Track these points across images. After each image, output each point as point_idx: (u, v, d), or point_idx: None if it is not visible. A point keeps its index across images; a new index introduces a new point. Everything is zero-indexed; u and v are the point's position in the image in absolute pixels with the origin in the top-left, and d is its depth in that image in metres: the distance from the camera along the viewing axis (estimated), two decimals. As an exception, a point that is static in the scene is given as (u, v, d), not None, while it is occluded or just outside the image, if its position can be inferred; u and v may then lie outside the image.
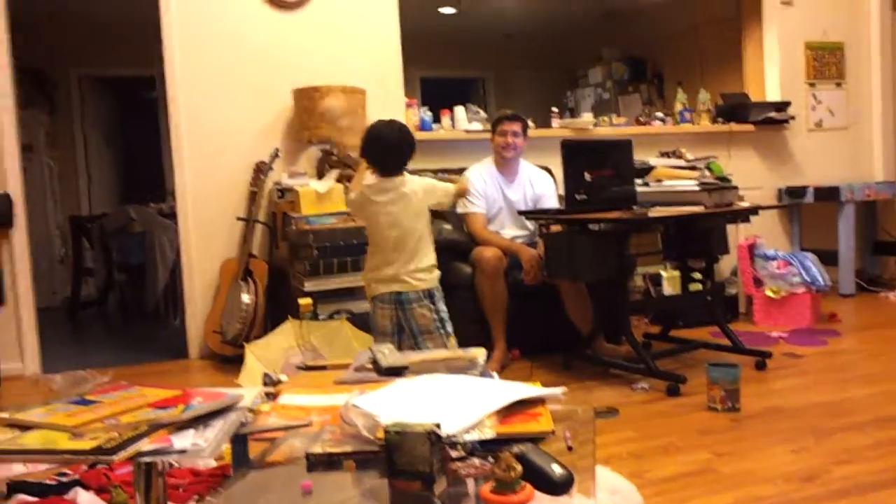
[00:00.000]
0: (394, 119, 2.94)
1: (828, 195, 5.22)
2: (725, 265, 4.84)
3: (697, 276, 3.79)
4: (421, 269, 2.90)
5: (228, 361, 3.93)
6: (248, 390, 1.56)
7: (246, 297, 3.98)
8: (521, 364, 3.70)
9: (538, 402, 1.49)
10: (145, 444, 1.24)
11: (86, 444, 1.21)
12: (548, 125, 5.07)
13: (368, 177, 2.92)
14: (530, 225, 3.97)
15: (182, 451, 1.26)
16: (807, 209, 5.54)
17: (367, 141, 2.87)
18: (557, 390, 1.51)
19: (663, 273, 4.09)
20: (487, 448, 1.30)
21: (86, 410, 1.36)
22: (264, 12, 4.39)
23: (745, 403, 2.87)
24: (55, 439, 1.25)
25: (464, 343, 2.83)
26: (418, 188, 2.90)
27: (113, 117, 8.05)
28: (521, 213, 3.88)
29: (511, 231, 3.94)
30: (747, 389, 2.98)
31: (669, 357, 3.58)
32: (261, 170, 4.23)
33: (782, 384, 3.23)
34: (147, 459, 1.25)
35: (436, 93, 7.97)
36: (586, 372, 3.51)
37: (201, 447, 1.27)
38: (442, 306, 2.94)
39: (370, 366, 1.85)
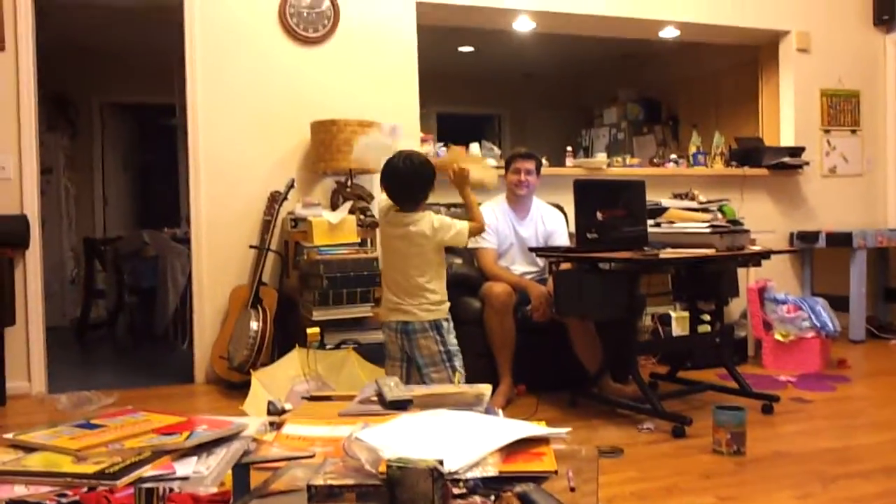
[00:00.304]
0: (414, 152, 2.92)
1: (840, 241, 5.21)
2: (735, 307, 4.82)
3: (707, 317, 3.78)
4: (428, 302, 2.90)
5: (234, 388, 3.93)
6: (252, 419, 1.57)
7: (254, 325, 4.00)
8: (527, 400, 3.68)
9: (542, 441, 1.49)
10: (148, 470, 1.25)
11: (89, 467, 1.22)
12: (562, 164, 5.11)
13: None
14: (540, 262, 3.99)
15: (184, 479, 1.27)
16: (819, 254, 5.52)
17: (384, 173, 2.89)
18: (562, 430, 1.51)
19: (672, 314, 4.08)
20: (490, 486, 1.30)
21: (90, 434, 1.37)
22: (286, 46, 4.47)
23: (751, 447, 2.84)
24: (58, 462, 1.26)
25: (471, 377, 2.85)
26: (427, 228, 2.86)
27: (132, 142, 8.16)
28: (531, 249, 3.89)
29: (521, 267, 3.95)
30: (753, 433, 2.95)
31: (676, 398, 3.56)
32: (275, 199, 4.27)
33: (789, 429, 3.19)
34: (149, 485, 1.25)
35: (452, 128, 8.04)
36: (592, 410, 3.49)
37: (203, 475, 1.27)
38: (451, 339, 2.93)
39: (375, 398, 1.85)
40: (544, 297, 3.67)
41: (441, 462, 1.19)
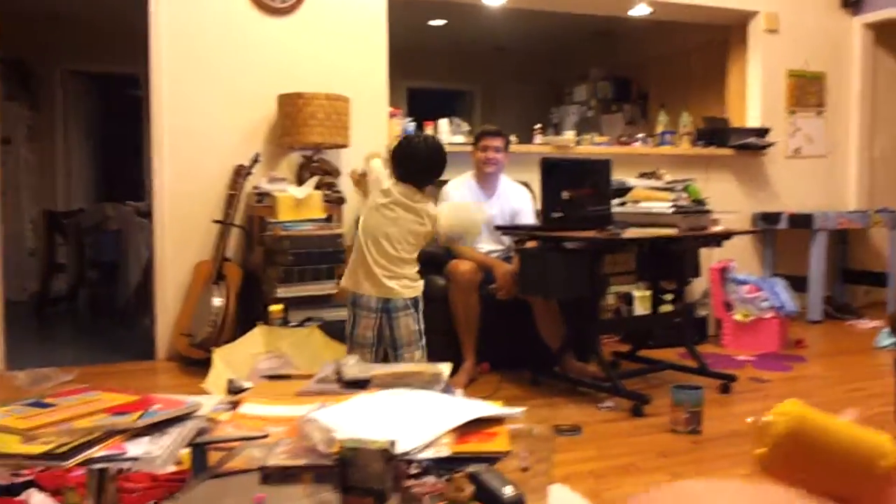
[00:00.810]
0: (430, 136, 3.03)
1: (801, 222, 5.30)
2: (697, 287, 4.89)
3: (668, 297, 3.83)
4: (408, 278, 2.89)
5: (196, 364, 3.90)
6: (207, 398, 1.56)
7: (217, 301, 3.96)
8: (490, 378, 3.71)
9: (497, 420, 1.50)
10: (98, 451, 1.24)
11: (37, 448, 1.21)
12: (530, 141, 5.11)
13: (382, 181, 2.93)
14: (506, 240, 3.99)
15: (135, 459, 1.26)
16: (781, 235, 5.61)
17: (404, 152, 2.91)
18: (517, 410, 1.53)
19: (635, 293, 4.12)
20: (443, 466, 1.31)
21: (41, 413, 1.35)
22: (253, 16, 4.39)
23: (708, 426, 2.90)
24: (7, 442, 1.24)
25: (434, 355, 2.85)
26: (432, 210, 2.93)
27: (96, 113, 7.98)
28: (497, 228, 3.90)
29: (487, 245, 3.95)
30: (710, 412, 3.00)
31: (637, 377, 3.61)
32: (240, 173, 4.22)
33: (745, 408, 3.26)
34: (99, 466, 1.24)
35: (423, 103, 8.00)
36: (554, 388, 3.53)
37: (154, 455, 1.27)
38: (421, 317, 2.95)
39: (334, 377, 1.85)
40: (509, 276, 3.68)
41: (393, 443, 1.20)
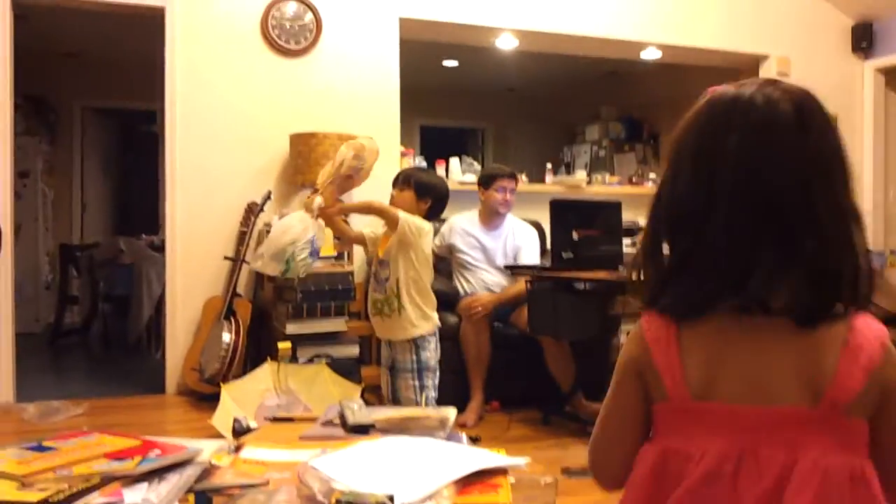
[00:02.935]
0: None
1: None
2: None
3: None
4: None
5: (205, 399, 3.90)
6: (209, 443, 1.55)
7: (227, 337, 3.97)
8: (499, 416, 3.68)
9: (500, 471, 1.48)
10: (95, 498, 1.22)
11: (33, 495, 1.20)
12: (542, 180, 5.13)
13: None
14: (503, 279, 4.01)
15: (132, 506, 1.25)
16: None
17: (444, 193, 2.91)
18: (521, 460, 1.50)
19: (646, 334, 4.08)
20: (444, 517, 1.29)
21: (39, 458, 1.35)
22: (268, 58, 4.46)
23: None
24: (3, 488, 1.23)
25: (443, 391, 2.84)
26: None
27: (113, 148, 8.10)
28: (507, 267, 3.90)
29: (490, 277, 3.95)
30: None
31: (648, 420, 3.56)
32: (252, 210, 4.25)
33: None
34: (96, 513, 1.23)
35: (434, 140, 8.07)
36: (564, 428, 3.49)
37: (152, 503, 1.25)
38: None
39: (338, 421, 1.84)
40: (487, 303, 3.71)
41: (391, 497, 1.18)
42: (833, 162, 0.92)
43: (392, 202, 2.86)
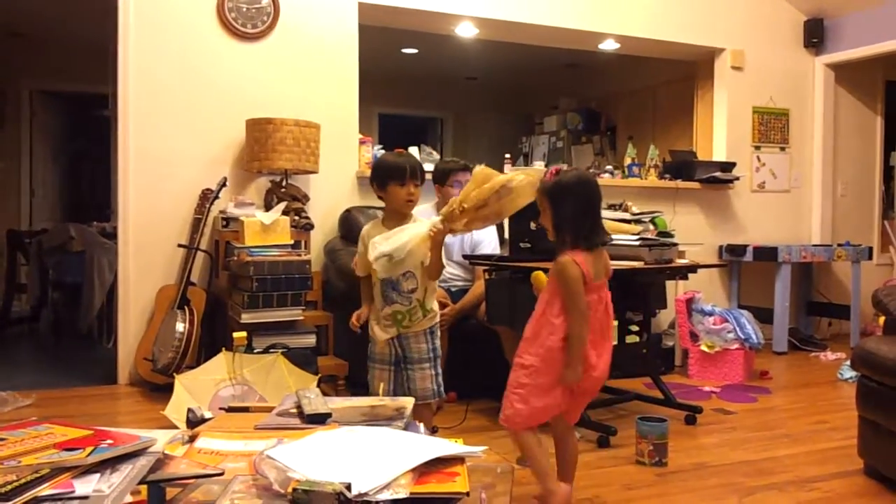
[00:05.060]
0: None
1: (766, 255, 5.37)
2: (664, 318, 4.92)
3: (635, 327, 3.84)
4: None
5: (158, 390, 3.84)
6: (162, 433, 1.53)
7: (180, 326, 3.90)
8: (457, 407, 3.68)
9: (457, 459, 1.48)
10: (45, 489, 1.20)
11: (-21, 487, 1.17)
12: (501, 170, 5.13)
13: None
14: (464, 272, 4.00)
15: (84, 498, 1.22)
16: (746, 267, 5.68)
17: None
18: (477, 449, 1.51)
19: (602, 324, 4.12)
20: (401, 506, 1.29)
21: (-14, 450, 1.31)
22: (224, 41, 4.38)
23: (673, 458, 2.90)
24: (-51, 480, 1.20)
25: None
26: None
27: (63, 132, 7.89)
28: (465, 257, 3.90)
29: (453, 270, 3.95)
30: (676, 444, 3.01)
31: (604, 407, 3.60)
32: (206, 197, 4.18)
33: (710, 440, 3.27)
34: (45, 505, 1.20)
35: (394, 129, 8.03)
36: (521, 419, 3.51)
37: (104, 494, 1.23)
38: None
39: (294, 411, 1.82)
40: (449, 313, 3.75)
41: (349, 486, 1.18)
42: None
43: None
